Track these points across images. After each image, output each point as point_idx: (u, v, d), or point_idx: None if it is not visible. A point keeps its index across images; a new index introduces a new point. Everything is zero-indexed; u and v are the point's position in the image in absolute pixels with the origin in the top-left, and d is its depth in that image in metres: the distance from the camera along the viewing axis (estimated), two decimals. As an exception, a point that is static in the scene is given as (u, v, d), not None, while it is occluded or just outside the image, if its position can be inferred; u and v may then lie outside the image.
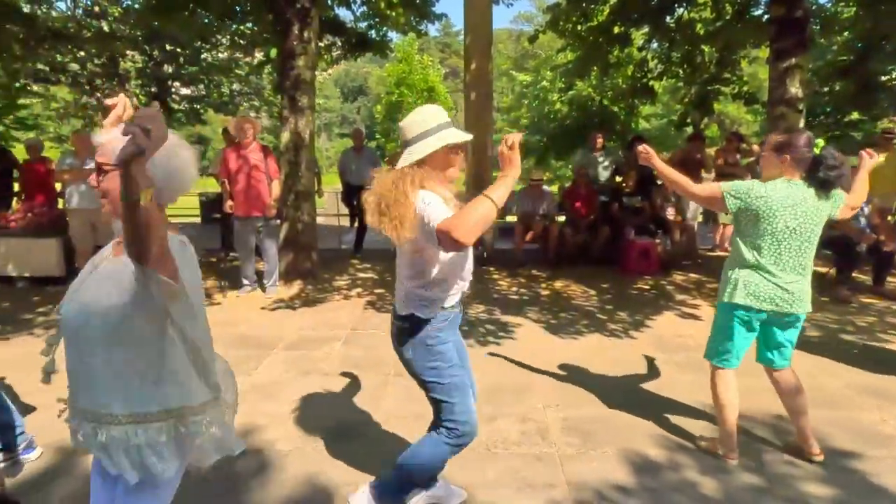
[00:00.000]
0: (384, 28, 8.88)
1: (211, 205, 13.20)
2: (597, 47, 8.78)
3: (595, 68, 9.69)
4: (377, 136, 34.84)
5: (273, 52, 6.64)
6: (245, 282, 5.95)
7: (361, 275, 6.84)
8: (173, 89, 14.82)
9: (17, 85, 12.96)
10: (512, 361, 4.09)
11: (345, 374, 3.87)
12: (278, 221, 6.09)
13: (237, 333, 4.75)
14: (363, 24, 8.96)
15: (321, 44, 8.32)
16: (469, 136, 2.02)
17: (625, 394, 3.57)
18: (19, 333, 4.77)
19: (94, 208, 6.06)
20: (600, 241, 7.19)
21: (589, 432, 3.09)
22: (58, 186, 7.06)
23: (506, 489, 2.58)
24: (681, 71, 9.45)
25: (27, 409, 3.21)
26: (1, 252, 6.21)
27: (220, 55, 14.20)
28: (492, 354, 4.25)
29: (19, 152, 8.40)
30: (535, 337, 4.68)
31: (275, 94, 13.10)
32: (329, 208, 12.15)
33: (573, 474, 2.69)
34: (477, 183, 7.53)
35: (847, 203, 2.66)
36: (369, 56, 9.84)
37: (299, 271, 6.37)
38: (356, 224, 8.14)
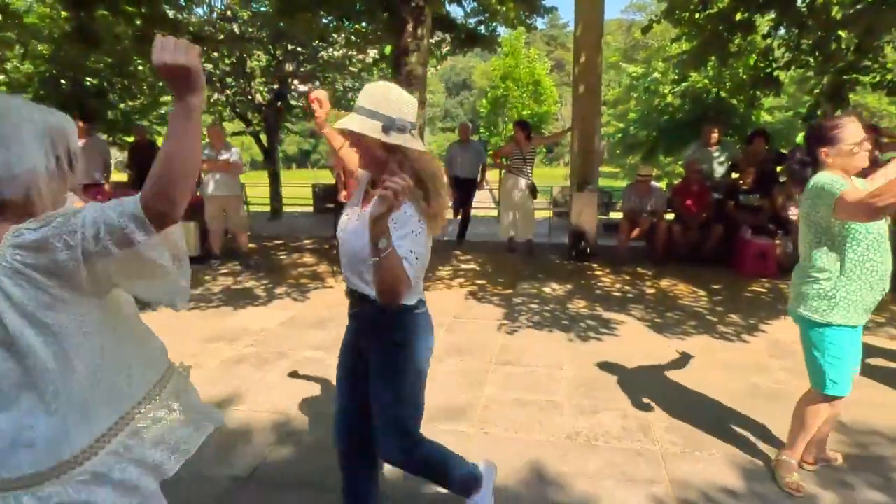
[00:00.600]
0: (493, 23, 8.97)
1: (324, 195, 14.04)
2: (716, 36, 8.32)
3: (713, 58, 9.18)
4: (481, 129, 35.06)
5: (388, 50, 6.95)
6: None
7: (464, 266, 7.01)
8: (292, 86, 15.78)
9: (161, 84, 14.46)
10: (614, 357, 4.05)
11: (448, 359, 4.03)
12: (387, 211, 6.39)
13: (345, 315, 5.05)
14: (473, 20, 9.09)
15: (432, 40, 8.57)
16: (349, 125, 1.74)
17: (734, 397, 3.43)
18: (160, 307, 5.39)
19: (226, 195, 6.68)
20: (713, 240, 6.86)
21: (694, 432, 3.02)
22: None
23: (607, 481, 2.60)
24: (811, 59, 8.73)
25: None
26: (148, 233, 7.02)
27: (335, 53, 14.94)
28: (593, 349, 4.23)
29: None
30: (639, 335, 4.59)
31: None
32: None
33: (677, 472, 2.66)
34: (582, 176, 7.44)
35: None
36: (476, 51, 9.99)
37: (405, 260, 6.63)
38: (460, 216, 8.32)
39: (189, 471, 2.61)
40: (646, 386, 3.59)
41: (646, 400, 3.40)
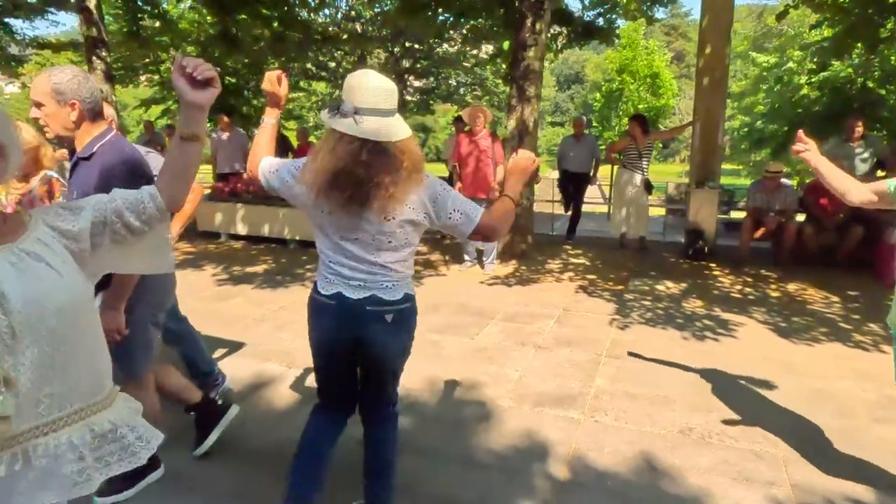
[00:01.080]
0: (612, 15, 8.79)
1: (434, 187, 14.48)
2: (864, 20, 7.59)
3: (859, 45, 8.39)
4: (594, 123, 34.19)
5: (506, 45, 7.06)
6: (466, 258, 6.51)
7: (573, 260, 6.99)
8: (408, 82, 16.36)
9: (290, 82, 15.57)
10: (731, 358, 3.91)
11: (558, 349, 4.10)
12: (499, 204, 6.52)
13: (459, 302, 5.27)
14: (591, 13, 8.97)
15: (548, 34, 8.56)
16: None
17: (869, 407, 3.22)
18: (294, 283, 5.91)
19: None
20: (850, 242, 6.32)
21: (820, 440, 2.88)
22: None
23: (721, 478, 2.57)
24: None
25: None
26: (280, 218, 7.67)
27: (449, 49, 15.29)
28: (708, 349, 4.11)
29: (291, 138, 10.19)
30: (761, 338, 4.38)
31: (504, 83, 13.67)
32: (541, 195, 12.45)
33: (799, 478, 2.57)
34: (703, 172, 7.14)
35: None
36: (591, 43, 9.82)
37: (515, 252, 6.75)
38: (570, 210, 8.28)
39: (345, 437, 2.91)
40: (767, 389, 3.45)
41: (767, 402, 3.28)
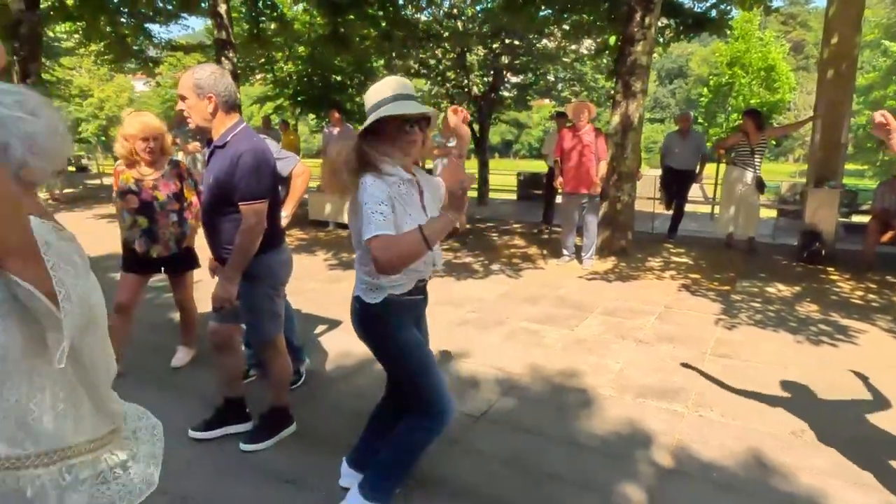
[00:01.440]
0: (726, 5, 8.42)
1: (528, 182, 14.49)
2: None
3: None
4: (699, 120, 32.59)
5: (611, 40, 7.00)
6: (564, 252, 6.56)
7: (675, 258, 6.83)
8: (506, 78, 16.41)
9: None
10: (850, 364, 3.73)
11: (660, 345, 4.09)
12: (599, 199, 6.50)
13: (557, 295, 5.34)
14: (703, 5, 8.64)
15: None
16: (422, 109, 1.87)
17: None
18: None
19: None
20: None
21: (951, 453, 2.72)
22: (429, 162, 8.78)
23: (836, 480, 2.51)
24: None
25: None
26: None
27: (549, 45, 15.18)
28: (824, 354, 3.94)
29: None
30: (885, 346, 4.13)
31: (606, 78, 13.46)
32: (641, 192, 12.15)
33: (925, 487, 2.46)
34: (823, 171, 6.72)
35: None
36: (701, 36, 9.45)
37: (614, 248, 6.71)
38: (672, 209, 8.07)
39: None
40: (893, 397, 3.28)
41: (884, 410, 3.12)
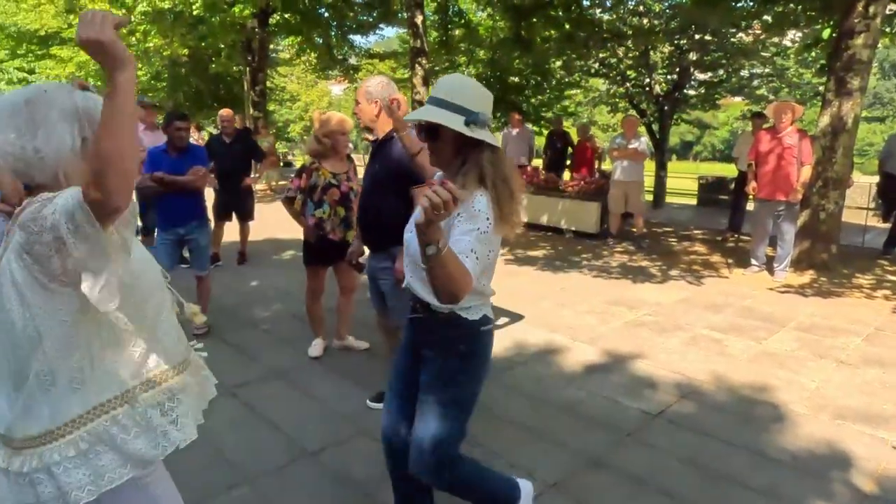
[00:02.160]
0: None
1: (710, 187, 13.57)
2: None
3: None
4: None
5: (825, 33, 6.34)
6: (753, 262, 6.14)
7: (891, 277, 6.04)
8: (692, 76, 15.51)
9: (567, 80, 16.09)
10: None
11: (866, 368, 3.73)
12: (798, 207, 5.98)
13: (743, 306, 5.06)
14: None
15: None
16: (419, 117, 1.67)
17: None
18: (571, 269, 6.35)
19: (630, 181, 7.28)
20: None
21: None
22: (607, 164, 8.74)
23: None
24: None
25: (590, 320, 4.40)
26: (558, 209, 8.20)
27: (745, 39, 14.04)
28: None
29: (572, 134, 10.66)
30: None
31: (814, 74, 12.19)
32: (850, 201, 10.77)
33: None
34: None
35: None
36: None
37: (813, 261, 6.12)
38: (891, 221, 7.10)
39: (604, 397, 3.25)
40: None
41: None
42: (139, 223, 5.49)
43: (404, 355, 1.95)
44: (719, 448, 2.80)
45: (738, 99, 19.32)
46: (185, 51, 13.10)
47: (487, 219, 1.55)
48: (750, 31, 13.14)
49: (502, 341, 4.17)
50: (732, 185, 8.79)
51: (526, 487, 2.05)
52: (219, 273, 5.70)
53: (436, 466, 1.79)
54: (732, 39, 14.08)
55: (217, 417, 3.01)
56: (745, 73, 15.34)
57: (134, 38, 12.38)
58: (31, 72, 19.98)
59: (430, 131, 1.64)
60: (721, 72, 15.29)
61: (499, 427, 2.99)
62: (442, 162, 1.69)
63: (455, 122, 1.56)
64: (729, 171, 9.61)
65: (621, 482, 2.52)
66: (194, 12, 11.08)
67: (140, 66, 15.74)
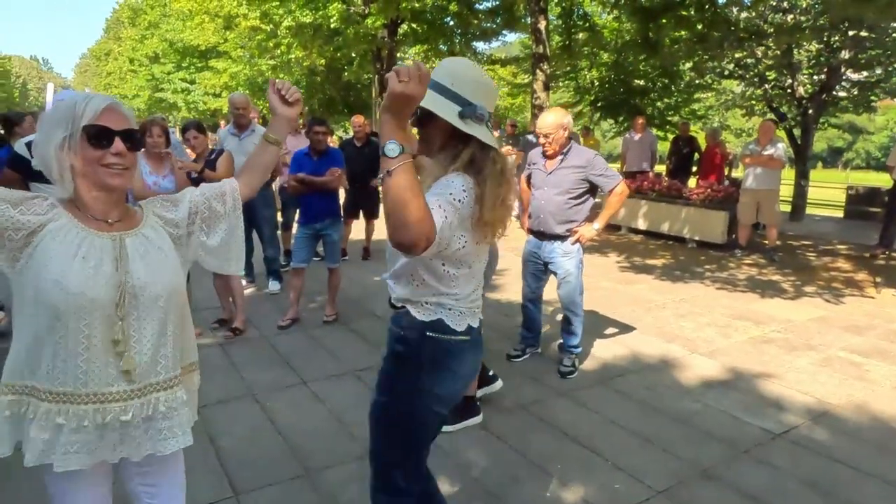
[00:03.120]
0: None
1: (861, 198, 12.27)
2: None
3: None
4: None
5: None
6: (906, 282, 5.54)
7: None
8: (843, 76, 14.12)
9: (697, 82, 15.26)
10: None
11: None
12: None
13: (891, 329, 4.60)
14: None
15: None
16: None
17: None
18: (693, 280, 6.10)
19: (763, 189, 6.83)
20: None
21: None
22: (739, 171, 8.25)
23: None
24: None
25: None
26: (681, 217, 7.88)
27: (916, 32, 12.55)
28: None
29: (701, 139, 10.16)
30: None
31: None
32: None
33: None
34: None
35: None
36: None
37: (983, 285, 5.40)
38: None
39: (722, 411, 3.14)
40: None
41: None
42: (280, 218, 6.11)
43: None
44: (848, 475, 2.63)
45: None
46: (322, 61, 14.15)
47: (464, 190, 1.39)
48: (917, 25, 11.75)
49: (613, 348, 4.15)
50: (888, 197, 7.91)
51: None
52: (345, 267, 6.13)
53: (373, 480, 1.66)
54: (894, 35, 12.65)
55: (344, 397, 3.33)
56: (907, 71, 13.67)
57: (279, 51, 13.60)
58: (193, 82, 22.55)
59: (421, 116, 1.47)
60: (879, 70, 13.77)
61: (606, 429, 3.01)
62: (430, 150, 1.52)
63: (448, 113, 1.42)
64: (883, 181, 8.63)
65: (733, 497, 2.46)
66: (332, 25, 11.96)
67: (282, 75, 17.23)
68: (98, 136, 1.26)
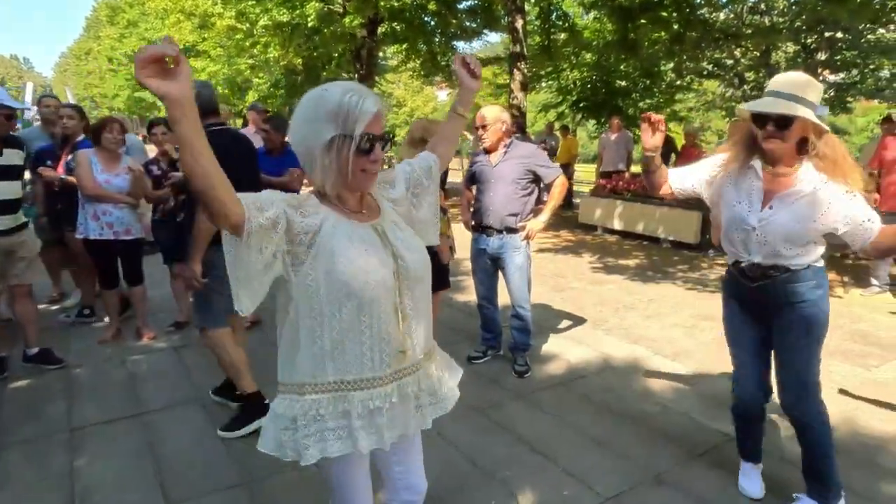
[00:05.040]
0: None
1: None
2: None
3: None
4: None
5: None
6: (874, 282, 5.55)
7: None
8: (821, 77, 14.24)
9: (678, 83, 15.33)
10: None
11: None
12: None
13: (855, 329, 4.59)
14: None
15: None
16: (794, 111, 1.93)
17: None
18: (664, 280, 6.08)
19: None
20: None
21: None
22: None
23: None
24: None
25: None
26: (655, 217, 7.87)
27: (886, 35, 12.71)
28: None
29: (678, 139, 10.17)
30: None
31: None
32: None
33: None
34: None
35: None
36: None
37: (949, 284, 5.42)
38: None
39: (681, 414, 3.10)
40: None
41: None
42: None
43: (751, 326, 2.27)
44: (800, 479, 2.59)
45: (875, 102, 17.44)
46: (300, 60, 14.00)
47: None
48: (892, 27, 11.89)
49: (577, 349, 4.10)
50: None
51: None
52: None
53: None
54: (869, 36, 12.80)
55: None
56: (885, 72, 13.81)
57: (256, 50, 13.46)
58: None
59: (781, 122, 1.91)
60: (854, 72, 13.93)
61: (562, 433, 2.96)
62: (786, 148, 1.96)
63: (810, 114, 1.88)
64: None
65: (685, 502, 2.41)
66: (309, 24, 11.85)
67: (262, 75, 17.07)
68: (370, 145, 1.26)
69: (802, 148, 1.97)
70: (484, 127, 3.46)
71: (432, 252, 3.37)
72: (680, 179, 2.32)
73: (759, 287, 2.13)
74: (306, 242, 1.24)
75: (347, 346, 1.28)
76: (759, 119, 1.96)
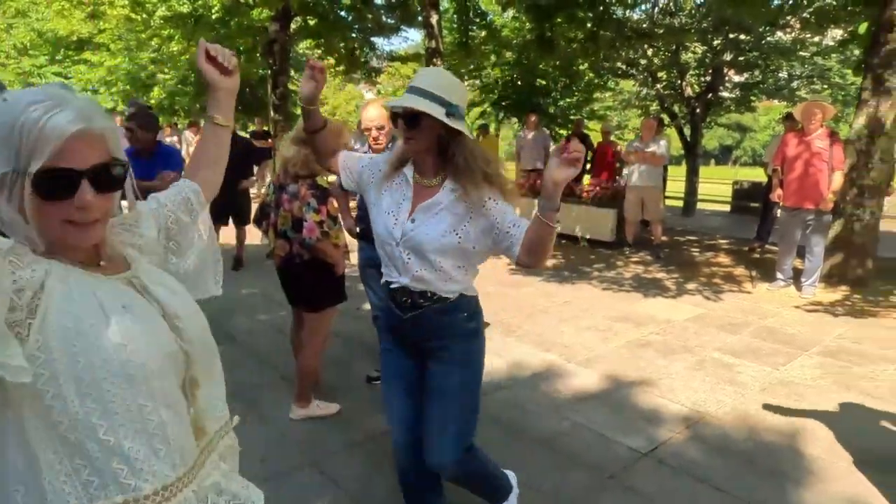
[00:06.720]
0: None
1: (744, 193, 12.92)
2: None
3: None
4: None
5: (861, 27, 5.80)
6: (779, 276, 5.65)
7: (936, 296, 5.47)
8: (726, 77, 14.86)
9: (596, 81, 15.61)
10: None
11: (897, 403, 3.28)
12: (830, 217, 5.47)
13: (764, 325, 4.61)
14: None
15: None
16: (404, 104, 1.67)
17: None
18: (580, 280, 5.97)
19: (646, 186, 6.85)
20: None
21: None
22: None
23: None
24: None
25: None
26: (572, 215, 7.80)
27: (784, 37, 13.37)
28: None
29: (595, 137, 10.23)
30: None
31: (855, 73, 11.54)
32: (890, 209, 10.00)
33: None
34: None
35: None
36: None
37: (846, 276, 5.60)
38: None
39: (590, 430, 2.90)
40: None
41: None
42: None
43: (403, 362, 1.99)
44: (711, 498, 2.42)
45: (776, 101, 18.49)
46: (206, 54, 13.08)
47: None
48: (789, 30, 12.49)
49: (487, 361, 3.84)
50: (764, 192, 8.22)
51: (513, 478, 2.24)
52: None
53: (461, 455, 1.93)
54: (769, 38, 13.42)
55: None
56: (783, 73, 14.60)
57: (154, 42, 12.50)
58: (67, 77, 20.54)
59: (410, 119, 1.67)
60: (757, 73, 14.61)
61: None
62: (419, 150, 1.73)
63: (438, 112, 1.62)
64: (764, 176, 9.01)
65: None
66: (213, 16, 11.07)
67: (167, 70, 15.95)
68: (53, 185, 0.82)
69: (447, 152, 1.71)
70: (382, 128, 3.14)
71: (327, 266, 3.05)
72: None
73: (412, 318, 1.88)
74: (24, 306, 0.78)
75: (122, 448, 0.86)
76: (395, 117, 1.72)
